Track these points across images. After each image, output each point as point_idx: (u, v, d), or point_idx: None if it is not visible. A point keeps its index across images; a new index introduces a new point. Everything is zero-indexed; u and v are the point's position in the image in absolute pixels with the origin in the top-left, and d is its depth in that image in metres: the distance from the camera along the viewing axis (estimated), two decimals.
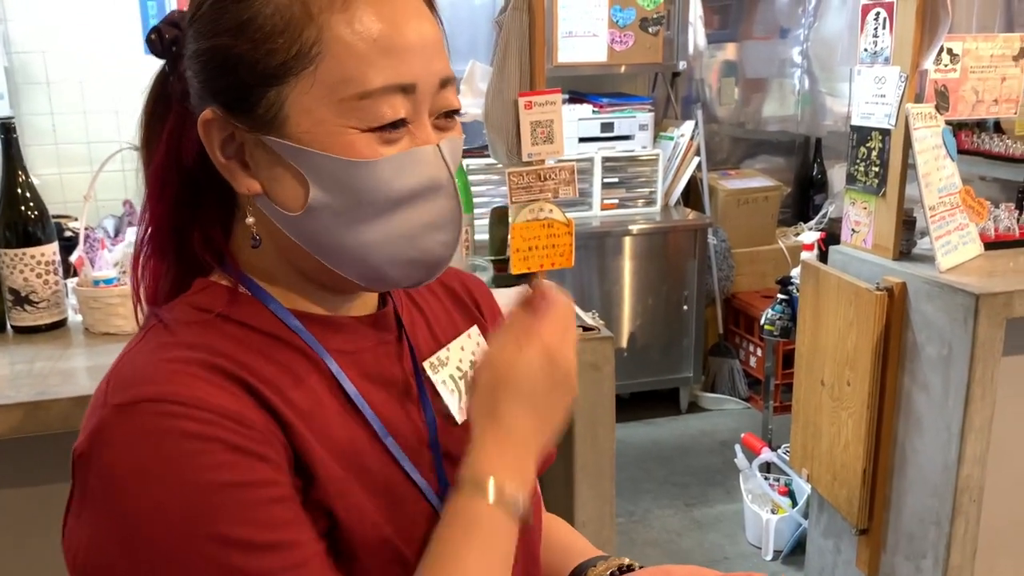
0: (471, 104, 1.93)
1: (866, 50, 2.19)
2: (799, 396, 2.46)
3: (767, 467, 2.93)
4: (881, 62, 2.14)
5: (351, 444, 0.71)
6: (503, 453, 0.69)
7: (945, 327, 1.98)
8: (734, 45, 4.35)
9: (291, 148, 0.66)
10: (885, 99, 2.13)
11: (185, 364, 0.64)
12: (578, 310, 1.77)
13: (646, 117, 3.73)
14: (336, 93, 0.64)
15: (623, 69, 3.69)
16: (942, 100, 2.24)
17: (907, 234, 2.17)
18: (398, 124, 0.67)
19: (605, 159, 3.67)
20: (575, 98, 3.71)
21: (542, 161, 1.87)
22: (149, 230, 0.73)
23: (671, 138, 3.90)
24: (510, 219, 1.86)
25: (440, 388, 0.81)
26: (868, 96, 2.18)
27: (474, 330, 0.88)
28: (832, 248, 2.34)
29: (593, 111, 3.64)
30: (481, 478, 0.68)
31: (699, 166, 3.92)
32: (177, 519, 0.59)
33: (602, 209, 3.74)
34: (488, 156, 2.01)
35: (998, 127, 4.20)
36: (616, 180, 3.74)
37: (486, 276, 1.91)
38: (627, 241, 3.69)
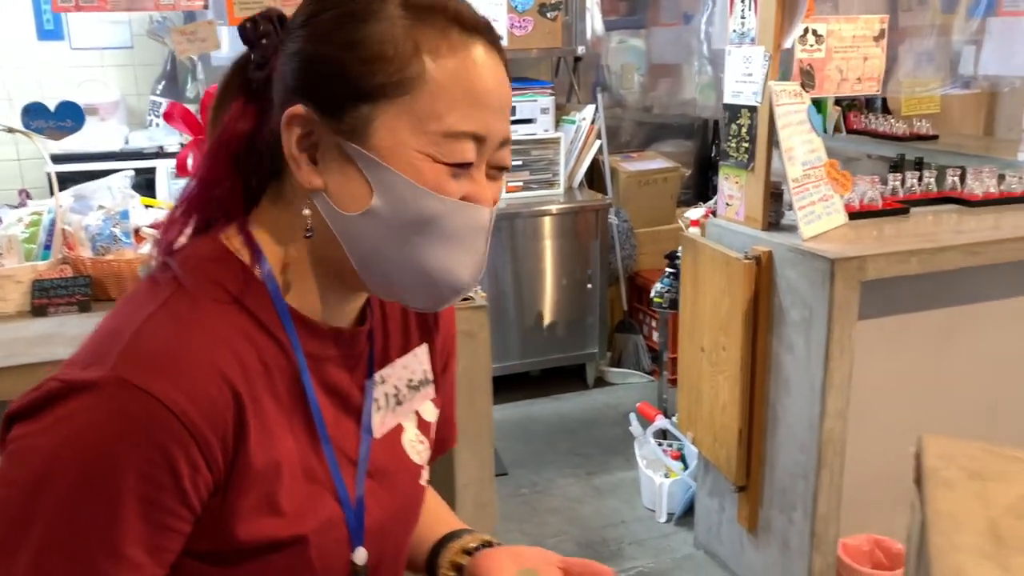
0: None
1: (735, 31, 2.30)
2: (683, 362, 2.58)
3: (664, 434, 3.05)
4: (748, 43, 2.26)
5: (296, 447, 0.78)
6: None
7: (806, 291, 2.11)
8: (641, 31, 4.48)
9: (368, 158, 0.73)
10: (752, 78, 2.25)
11: (202, 366, 0.70)
12: None
13: (547, 101, 3.81)
14: (423, 124, 0.73)
15: (521, 54, 3.77)
16: (808, 78, 2.37)
17: (775, 206, 2.30)
18: (464, 166, 0.75)
19: None
20: None
21: None
22: (194, 189, 0.79)
23: (573, 121, 4.00)
24: None
25: (371, 405, 0.86)
26: (738, 75, 2.30)
27: (422, 349, 0.94)
28: (708, 221, 2.46)
29: None
30: None
31: (601, 149, 4.03)
32: (99, 500, 0.66)
33: (507, 192, 3.81)
34: None
35: (886, 108, 4.42)
36: (520, 163, 3.82)
37: None
38: (532, 223, 3.78)
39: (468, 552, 0.97)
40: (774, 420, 2.28)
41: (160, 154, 3.42)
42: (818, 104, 3.87)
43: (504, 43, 0.79)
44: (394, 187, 0.74)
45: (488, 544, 0.98)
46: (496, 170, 0.80)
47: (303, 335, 0.79)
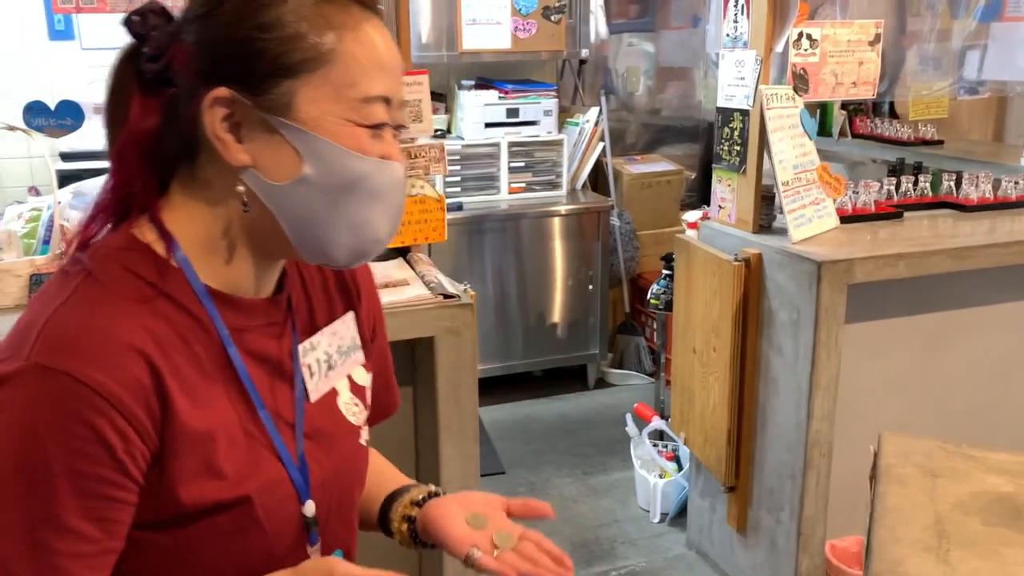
0: None
1: (728, 35, 2.32)
2: (677, 363, 2.61)
3: (660, 435, 3.07)
4: (740, 47, 2.28)
5: (231, 414, 0.81)
6: None
7: (795, 293, 2.13)
8: (649, 34, 4.50)
9: (295, 129, 0.78)
10: (744, 81, 2.27)
11: (113, 342, 0.73)
12: (444, 280, 1.87)
13: (551, 103, 3.84)
14: (341, 92, 0.79)
15: (525, 56, 3.80)
16: (801, 82, 2.38)
17: (766, 209, 2.31)
18: (380, 126, 0.82)
19: (511, 144, 3.78)
20: (482, 84, 3.82)
21: (413, 140, 1.96)
22: (108, 192, 0.83)
23: (577, 124, 4.03)
24: None
25: (304, 371, 0.91)
26: (730, 79, 2.32)
27: (349, 316, 0.98)
28: (702, 223, 2.48)
29: (499, 97, 3.75)
30: None
31: (604, 151, 4.06)
32: (33, 480, 0.70)
33: (509, 192, 3.85)
34: None
35: (894, 113, 4.42)
36: (522, 164, 3.85)
37: None
38: (535, 224, 3.81)
39: (417, 504, 1.01)
40: (763, 421, 2.30)
41: None
42: (823, 108, 3.90)
43: (508, 46, 0.85)
44: (322, 153, 0.79)
45: (435, 494, 1.03)
46: (396, 129, 0.87)
47: (222, 309, 0.83)
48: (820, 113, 3.86)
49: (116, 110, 0.82)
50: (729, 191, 2.37)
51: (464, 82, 3.86)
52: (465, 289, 1.91)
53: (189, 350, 0.79)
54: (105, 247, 0.81)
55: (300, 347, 0.91)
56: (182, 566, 0.80)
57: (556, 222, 3.84)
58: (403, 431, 1.93)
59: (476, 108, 3.72)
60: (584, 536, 2.85)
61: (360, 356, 1.00)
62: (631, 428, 3.00)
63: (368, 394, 1.01)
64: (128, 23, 0.80)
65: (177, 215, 0.82)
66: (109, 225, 0.83)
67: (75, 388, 0.70)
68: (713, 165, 2.42)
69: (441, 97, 3.89)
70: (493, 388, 3.81)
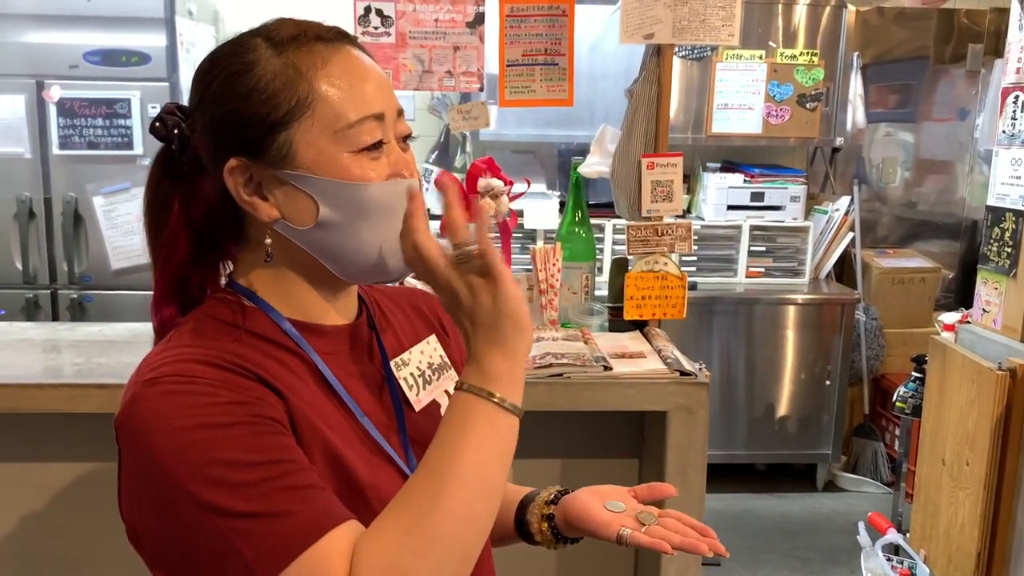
0: (599, 163, 2.11)
1: (1004, 132, 2.19)
2: (921, 474, 2.42)
3: (895, 550, 2.84)
4: (1018, 144, 2.14)
5: (337, 424, 0.87)
6: (510, 369, 0.82)
7: None
8: (910, 124, 4.30)
9: (302, 176, 0.85)
10: (1020, 180, 2.13)
11: (196, 361, 0.80)
12: (680, 357, 1.88)
13: (799, 189, 3.77)
14: (330, 127, 0.84)
15: (776, 142, 3.77)
16: None
17: None
18: (377, 145, 0.86)
19: (753, 227, 3.74)
20: (727, 167, 3.82)
21: (660, 218, 2.01)
22: (160, 279, 0.91)
23: (825, 212, 3.91)
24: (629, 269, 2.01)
25: (402, 383, 0.97)
26: (1004, 177, 2.19)
27: (432, 338, 1.06)
28: (961, 327, 2.32)
29: (744, 180, 3.73)
30: (487, 379, 0.81)
31: (853, 241, 3.90)
32: (192, 453, 0.74)
33: (747, 276, 3.79)
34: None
35: None
36: (763, 249, 3.79)
37: (599, 320, 2.05)
38: (772, 310, 3.72)
39: (551, 503, 1.06)
40: (1019, 547, 2.08)
41: (429, 215, 3.76)
42: None
43: (759, 131, 0.85)
44: (330, 192, 0.85)
45: (564, 492, 1.07)
46: (403, 141, 0.90)
47: (308, 337, 0.89)
48: None
49: (156, 205, 0.91)
50: (996, 295, 2.21)
51: (710, 164, 3.88)
52: (701, 368, 1.91)
53: (284, 370, 0.85)
54: (195, 312, 0.89)
55: (392, 363, 0.97)
56: None
57: (794, 311, 3.72)
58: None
59: (720, 190, 3.72)
60: None
61: (454, 374, 1.05)
62: (863, 538, 2.80)
63: None
64: (153, 131, 0.90)
65: (247, 273, 0.91)
66: (174, 309, 0.90)
67: (178, 380, 0.77)
68: (979, 266, 2.26)
69: (684, 178, 3.93)
70: (712, 476, 3.67)
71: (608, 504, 1.00)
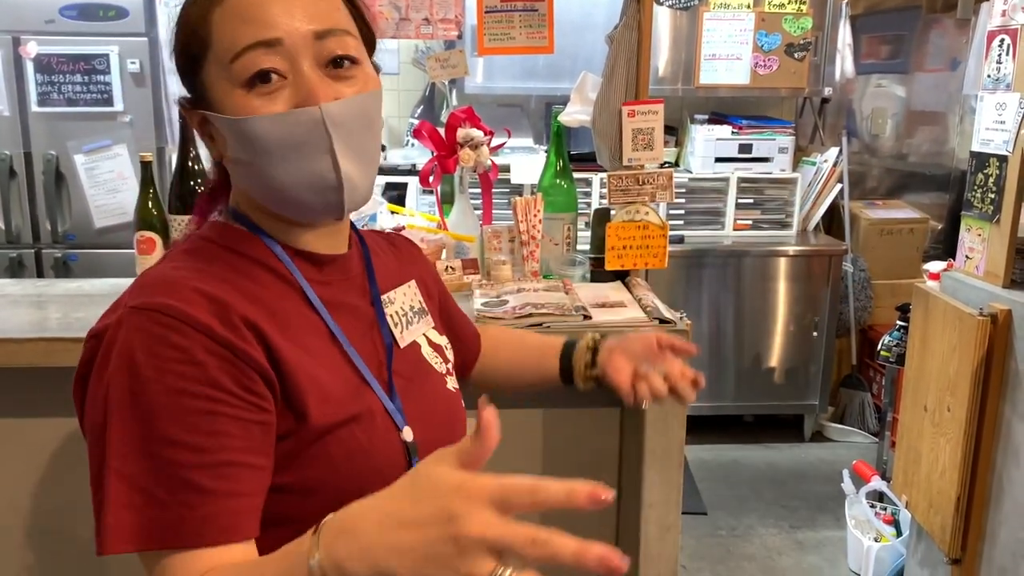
0: (579, 111, 2.09)
1: (989, 76, 2.17)
2: (904, 421, 2.44)
3: (879, 497, 2.88)
4: (1003, 89, 2.12)
5: (321, 352, 0.87)
6: (381, 532, 0.62)
7: None
8: (901, 76, 4.27)
9: (213, 116, 0.86)
10: (1005, 125, 2.11)
11: (190, 288, 0.80)
12: (660, 305, 1.88)
13: (786, 140, 3.75)
14: (222, 62, 0.83)
15: (764, 92, 3.73)
16: None
17: (1020, 262, 2.13)
18: (266, 77, 0.82)
19: (741, 179, 3.72)
20: (715, 119, 3.79)
21: (642, 166, 2.00)
22: (203, 193, 0.99)
23: (813, 163, 3.90)
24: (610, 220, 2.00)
25: (388, 320, 0.98)
26: (989, 122, 2.17)
27: (413, 283, 1.08)
28: (944, 274, 2.32)
29: (732, 132, 3.71)
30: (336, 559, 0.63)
31: (841, 193, 3.89)
32: (139, 403, 0.76)
33: (734, 229, 3.78)
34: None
35: None
36: (751, 201, 3.78)
37: (581, 270, 2.05)
38: (759, 262, 3.72)
39: (593, 346, 1.21)
40: (999, 491, 2.10)
41: (412, 171, 3.74)
42: None
43: (747, 81, 0.82)
44: (226, 129, 0.85)
45: (599, 339, 1.22)
46: (333, 66, 0.84)
47: (301, 265, 0.91)
48: None
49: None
50: (979, 241, 2.21)
51: (697, 116, 3.85)
52: (681, 316, 1.91)
53: (276, 302, 0.86)
54: (192, 234, 0.93)
55: (383, 297, 0.99)
56: (301, 502, 0.83)
57: (782, 262, 3.72)
58: (608, 450, 1.96)
59: (707, 142, 3.70)
60: None
61: (430, 319, 1.08)
62: (848, 485, 2.83)
63: (447, 352, 1.08)
64: (182, 116, 0.95)
65: (237, 199, 0.94)
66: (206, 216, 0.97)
67: (160, 318, 0.77)
68: (963, 212, 2.26)
69: (672, 130, 3.90)
70: (700, 427, 3.74)
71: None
